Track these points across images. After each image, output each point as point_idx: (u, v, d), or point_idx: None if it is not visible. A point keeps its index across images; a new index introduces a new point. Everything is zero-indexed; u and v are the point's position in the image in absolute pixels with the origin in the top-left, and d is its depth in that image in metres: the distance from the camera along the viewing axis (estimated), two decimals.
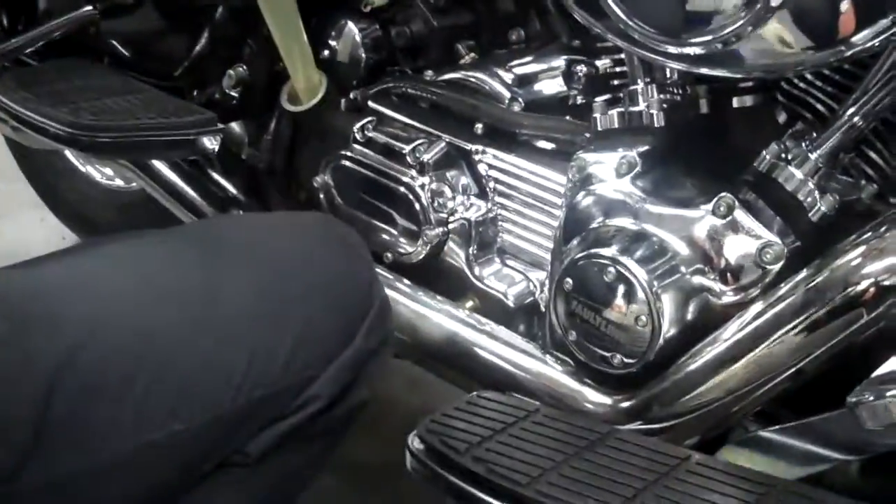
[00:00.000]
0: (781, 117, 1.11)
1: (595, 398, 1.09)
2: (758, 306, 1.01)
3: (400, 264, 1.29)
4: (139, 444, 0.80)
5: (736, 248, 1.03)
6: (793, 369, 0.99)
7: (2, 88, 1.44)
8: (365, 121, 1.33)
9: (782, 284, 1.00)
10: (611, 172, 1.10)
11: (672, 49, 0.99)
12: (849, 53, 0.93)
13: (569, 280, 1.08)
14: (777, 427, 1.01)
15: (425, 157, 1.26)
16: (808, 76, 1.07)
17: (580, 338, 1.08)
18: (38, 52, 1.60)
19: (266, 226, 1.01)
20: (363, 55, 1.39)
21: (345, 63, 1.40)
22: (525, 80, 1.31)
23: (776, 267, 1.01)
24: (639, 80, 1.11)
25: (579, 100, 1.27)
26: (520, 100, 1.28)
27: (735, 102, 1.12)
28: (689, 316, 1.04)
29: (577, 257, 1.07)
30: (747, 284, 1.02)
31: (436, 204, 1.25)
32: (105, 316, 0.81)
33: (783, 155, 1.05)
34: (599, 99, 1.19)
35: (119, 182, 1.89)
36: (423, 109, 1.33)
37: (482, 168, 1.25)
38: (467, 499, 0.92)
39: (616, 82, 1.24)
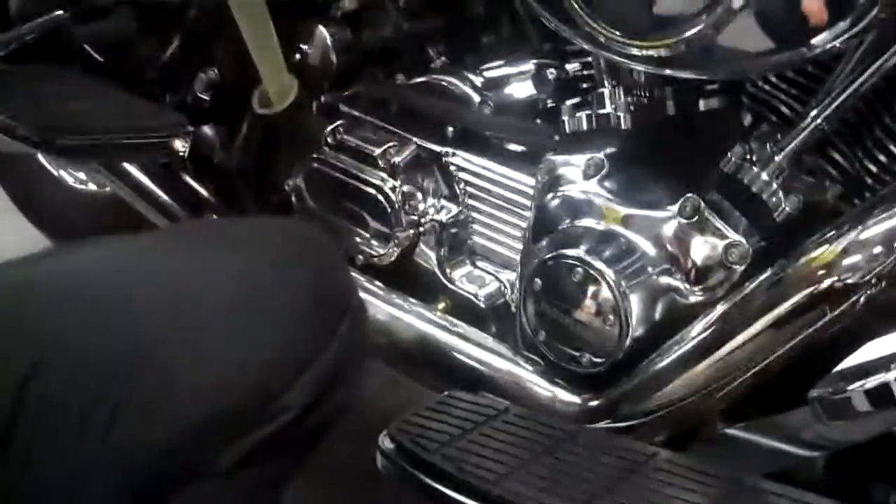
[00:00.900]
0: (747, 119, 1.12)
1: (565, 397, 1.10)
2: (723, 305, 1.02)
3: (372, 266, 1.29)
4: (107, 458, 0.79)
5: (702, 249, 1.04)
6: (758, 367, 1.00)
7: None
8: (336, 124, 1.34)
9: (747, 283, 1.02)
10: (578, 174, 1.11)
11: (636, 52, 1.00)
12: (811, 55, 0.95)
13: (538, 280, 1.09)
14: (743, 424, 1.02)
15: (396, 160, 1.27)
16: (773, 78, 1.09)
17: (549, 338, 1.09)
18: (10, 54, 1.59)
19: (238, 231, 1.00)
20: (334, 59, 1.39)
21: (316, 66, 1.40)
22: (495, 84, 1.32)
23: (741, 267, 1.02)
24: (606, 83, 1.13)
25: (549, 103, 1.28)
26: (490, 103, 1.29)
27: (701, 105, 1.13)
28: (657, 315, 1.06)
29: (545, 258, 1.08)
30: (713, 284, 1.03)
31: (407, 206, 1.26)
32: (73, 326, 0.80)
33: (748, 156, 1.07)
34: (568, 102, 1.20)
35: (92, 186, 1.89)
36: (394, 113, 1.33)
37: (453, 170, 1.26)
38: (437, 497, 0.92)
39: (584, 85, 1.26)
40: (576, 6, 1.01)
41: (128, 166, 1.48)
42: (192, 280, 0.87)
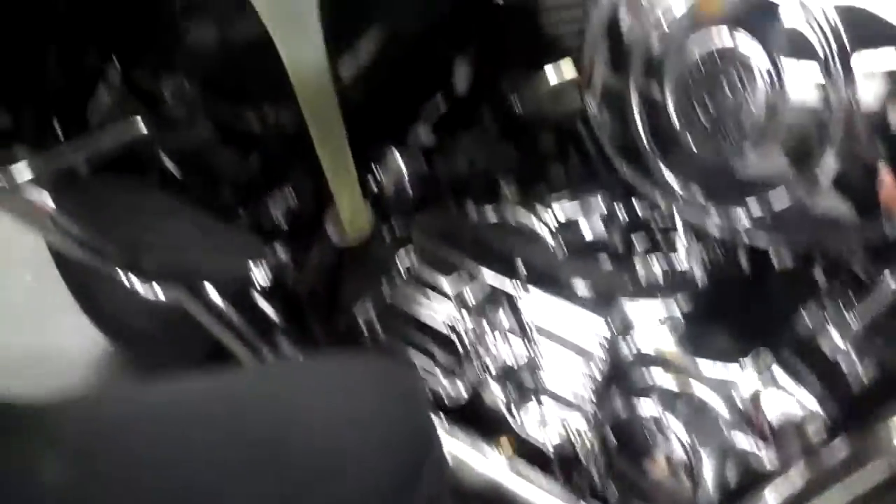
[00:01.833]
0: (820, 278, 1.13)
1: None
2: (798, 471, 1.02)
3: (440, 403, 1.30)
4: None
5: (776, 411, 1.04)
6: None
7: (59, 202, 1.47)
8: (408, 255, 1.36)
9: (822, 448, 1.01)
10: (653, 326, 1.12)
11: (714, 215, 1.01)
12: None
13: (609, 433, 1.09)
14: None
15: (469, 298, 1.28)
16: None
17: (619, 491, 1.09)
18: (89, 160, 1.63)
19: (321, 374, 1.01)
20: (409, 189, 1.42)
21: (391, 196, 1.43)
22: (566, 221, 1.33)
23: (815, 432, 1.02)
24: (682, 237, 1.14)
25: (619, 245, 1.29)
26: (561, 242, 1.30)
27: (775, 263, 1.14)
28: (729, 474, 1.05)
29: (617, 412, 1.09)
30: (787, 448, 1.03)
31: (478, 344, 1.27)
32: (148, 480, 0.81)
33: (822, 315, 1.07)
34: (640, 248, 1.21)
35: (160, 294, 1.91)
36: (467, 246, 1.35)
37: (524, 309, 1.27)
38: None
39: (655, 223, 1.26)
40: (654, 156, 1.02)
41: None
42: (275, 429, 0.88)
